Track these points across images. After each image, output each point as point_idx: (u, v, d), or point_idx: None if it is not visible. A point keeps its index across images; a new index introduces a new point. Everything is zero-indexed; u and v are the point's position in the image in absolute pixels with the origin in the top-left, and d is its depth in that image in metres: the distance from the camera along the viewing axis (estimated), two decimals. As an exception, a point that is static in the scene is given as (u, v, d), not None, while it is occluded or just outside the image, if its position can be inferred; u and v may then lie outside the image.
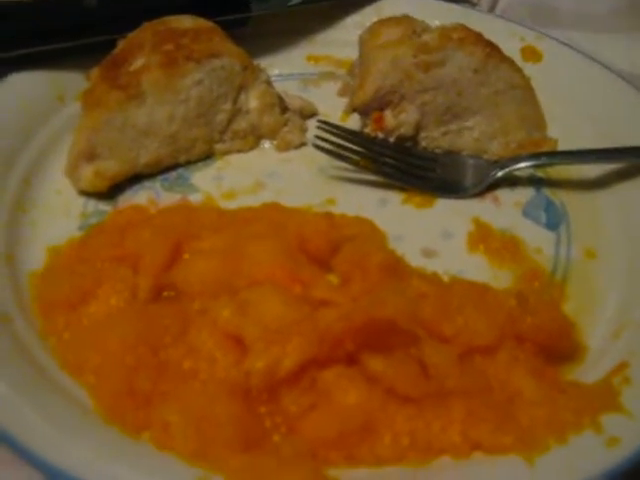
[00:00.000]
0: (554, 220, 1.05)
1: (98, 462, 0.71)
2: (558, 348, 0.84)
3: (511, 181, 1.10)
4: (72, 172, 1.04)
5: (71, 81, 1.14)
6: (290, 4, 1.28)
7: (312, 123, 1.15)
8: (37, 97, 1.12)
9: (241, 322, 0.79)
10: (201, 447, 0.72)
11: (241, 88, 1.10)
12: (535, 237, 1.02)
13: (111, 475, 0.70)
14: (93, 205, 1.04)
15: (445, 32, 1.11)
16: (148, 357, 0.79)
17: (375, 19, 1.21)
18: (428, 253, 0.99)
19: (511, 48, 1.18)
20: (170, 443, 0.73)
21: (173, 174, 1.09)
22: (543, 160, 1.08)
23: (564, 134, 1.15)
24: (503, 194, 1.08)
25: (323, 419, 0.75)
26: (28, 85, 1.12)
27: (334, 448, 0.74)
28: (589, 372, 0.84)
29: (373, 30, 1.15)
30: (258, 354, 0.75)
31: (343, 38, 1.29)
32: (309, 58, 1.30)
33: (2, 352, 0.81)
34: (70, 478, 0.69)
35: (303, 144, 1.14)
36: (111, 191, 1.05)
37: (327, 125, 1.09)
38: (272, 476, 0.70)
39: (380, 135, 1.12)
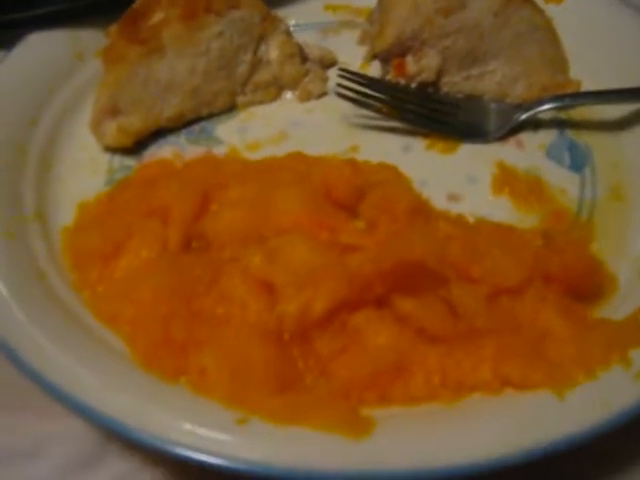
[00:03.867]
0: (578, 161, 1.05)
1: (139, 407, 0.73)
2: (586, 287, 0.85)
3: (534, 124, 1.09)
4: (96, 128, 1.05)
5: (90, 38, 1.14)
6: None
7: (333, 72, 1.15)
8: (57, 56, 1.12)
9: (271, 268, 0.80)
10: (237, 390, 0.74)
11: (261, 39, 1.10)
12: (559, 179, 1.02)
13: (153, 419, 0.72)
14: (119, 160, 1.05)
15: (465, -25, 1.09)
16: (182, 306, 0.81)
17: (393, -36, 1.19)
18: (453, 197, 1.00)
19: (532, -11, 1.17)
20: (207, 387, 0.75)
21: (196, 127, 1.10)
22: (566, 102, 1.08)
23: (587, 75, 1.14)
24: (526, 137, 1.08)
25: (355, 360, 0.76)
26: (47, 44, 1.12)
27: (367, 388, 0.75)
28: (617, 310, 0.84)
29: (392, -24, 1.14)
30: (289, 298, 0.77)
31: (361, -15, 1.28)
32: (327, 7, 1.28)
33: (39, 306, 0.83)
34: (113, 423, 0.72)
35: (324, 93, 1.14)
36: (136, 146, 1.06)
37: (348, 73, 1.09)
38: (308, 415, 0.71)
39: (402, 81, 1.11)
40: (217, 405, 0.74)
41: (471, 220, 0.93)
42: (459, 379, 0.76)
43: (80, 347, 0.79)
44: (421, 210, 0.90)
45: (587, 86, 1.13)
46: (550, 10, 1.16)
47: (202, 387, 0.75)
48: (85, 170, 1.04)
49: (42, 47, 1.12)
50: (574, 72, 1.15)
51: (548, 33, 1.13)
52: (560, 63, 1.14)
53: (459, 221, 0.91)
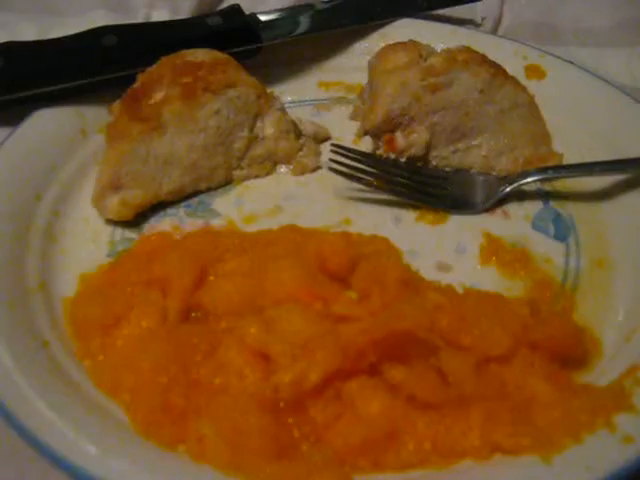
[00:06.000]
0: (562, 232, 1.09)
1: (139, 475, 0.74)
2: (571, 354, 0.88)
3: (519, 195, 1.13)
4: (99, 202, 1.07)
5: (94, 115, 1.19)
6: (298, 32, 1.32)
7: (326, 147, 1.19)
8: (61, 132, 1.16)
9: (267, 339, 0.83)
10: (235, 457, 0.76)
11: (257, 116, 1.14)
12: (545, 249, 1.06)
13: (152, 487, 0.74)
14: (120, 233, 1.08)
15: (450, 55, 1.15)
16: (180, 375, 0.83)
17: (382, 44, 1.24)
18: (443, 267, 1.03)
19: (515, 67, 1.23)
20: (205, 455, 0.77)
21: (195, 200, 1.13)
22: (550, 174, 1.12)
23: (569, 148, 1.18)
24: (512, 208, 1.12)
25: (349, 427, 0.78)
26: (52, 120, 1.16)
27: (360, 455, 0.77)
28: (601, 375, 0.87)
29: (381, 55, 1.19)
30: (285, 368, 0.79)
31: (352, 64, 1.33)
32: (320, 84, 1.34)
33: (41, 375, 0.84)
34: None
35: (318, 167, 1.18)
36: (137, 219, 1.09)
37: (341, 148, 1.13)
38: (304, 482, 0.73)
39: (392, 156, 1.15)
40: (215, 472, 0.76)
41: (460, 289, 0.96)
42: (450, 445, 0.78)
43: (80, 415, 0.80)
44: (411, 281, 0.93)
45: (569, 158, 1.17)
46: (533, 86, 1.22)
47: (200, 454, 0.77)
48: (88, 242, 1.06)
49: (48, 123, 1.16)
50: (556, 145, 1.20)
51: (531, 108, 1.18)
52: (543, 137, 1.19)
53: (448, 291, 0.94)
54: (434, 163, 1.18)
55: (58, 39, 1.20)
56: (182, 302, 0.91)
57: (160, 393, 0.82)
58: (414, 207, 1.11)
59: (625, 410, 0.79)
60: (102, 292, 0.96)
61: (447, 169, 1.18)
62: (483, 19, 1.53)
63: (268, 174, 1.18)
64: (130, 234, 1.08)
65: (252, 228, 1.07)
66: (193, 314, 0.92)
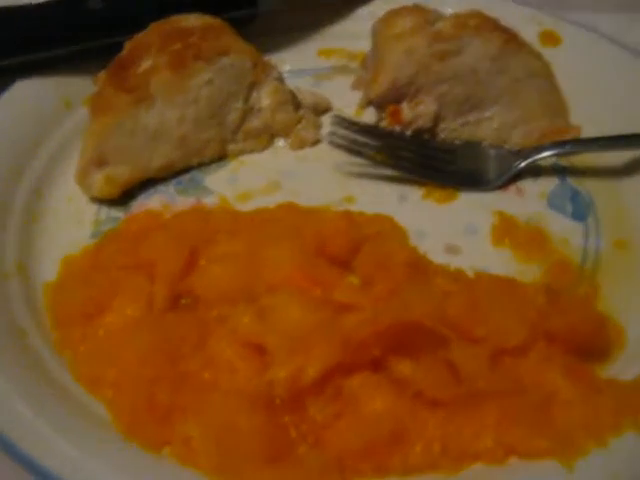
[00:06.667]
0: (581, 210, 1.02)
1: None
2: (592, 346, 0.82)
3: (534, 171, 1.07)
4: (82, 179, 1.02)
5: (78, 86, 1.13)
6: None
7: (326, 119, 1.13)
8: (44, 104, 1.11)
9: (261, 330, 0.77)
10: (224, 461, 0.71)
11: (252, 86, 1.08)
12: (562, 228, 1.00)
13: (132, 494, 0.68)
14: (106, 212, 1.03)
15: (460, 20, 1.08)
16: (166, 369, 0.78)
17: (387, 8, 1.17)
18: (452, 249, 0.97)
19: (529, 34, 1.16)
20: (192, 458, 0.72)
21: (186, 177, 1.08)
22: (567, 148, 1.05)
23: (587, 121, 1.11)
24: (526, 185, 1.06)
25: (350, 428, 0.73)
26: (34, 92, 1.11)
27: (363, 458, 0.72)
28: (627, 368, 0.81)
29: (385, 20, 1.12)
30: (281, 363, 0.74)
31: (355, 30, 1.26)
32: (320, 52, 1.27)
33: (18, 368, 0.79)
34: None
35: (318, 141, 1.12)
36: (124, 197, 1.03)
37: (342, 120, 1.07)
38: (298, 490, 0.68)
39: (397, 128, 1.10)
40: (202, 477, 0.70)
41: (471, 274, 0.90)
42: (461, 447, 0.72)
43: (58, 412, 0.75)
44: (418, 265, 0.87)
45: (588, 132, 1.11)
46: (548, 54, 1.14)
47: (187, 458, 0.72)
48: (71, 222, 1.01)
49: (29, 95, 1.11)
50: (574, 117, 1.13)
51: (546, 78, 1.11)
52: (559, 108, 1.12)
53: (458, 276, 0.88)
54: (442, 136, 1.11)
55: (39, 3, 1.13)
56: (170, 288, 0.86)
57: (144, 389, 0.76)
58: (420, 184, 1.05)
59: (655, 408, 0.73)
60: (85, 277, 0.91)
61: (456, 142, 1.11)
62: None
63: (265, 148, 1.12)
64: (116, 213, 1.02)
65: (247, 207, 1.01)
66: (182, 301, 0.87)
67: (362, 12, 1.29)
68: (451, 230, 1.00)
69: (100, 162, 1.01)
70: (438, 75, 1.07)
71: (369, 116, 1.14)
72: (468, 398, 0.74)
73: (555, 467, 0.70)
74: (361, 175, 1.07)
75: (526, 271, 0.94)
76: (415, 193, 1.05)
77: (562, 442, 0.71)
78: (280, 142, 1.13)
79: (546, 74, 1.11)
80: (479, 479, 0.71)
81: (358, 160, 1.06)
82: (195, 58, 1.04)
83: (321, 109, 1.16)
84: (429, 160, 1.07)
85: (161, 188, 1.06)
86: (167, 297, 0.85)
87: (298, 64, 1.24)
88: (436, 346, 0.76)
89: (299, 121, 1.12)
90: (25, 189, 1.02)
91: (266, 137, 1.12)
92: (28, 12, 1.12)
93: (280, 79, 1.11)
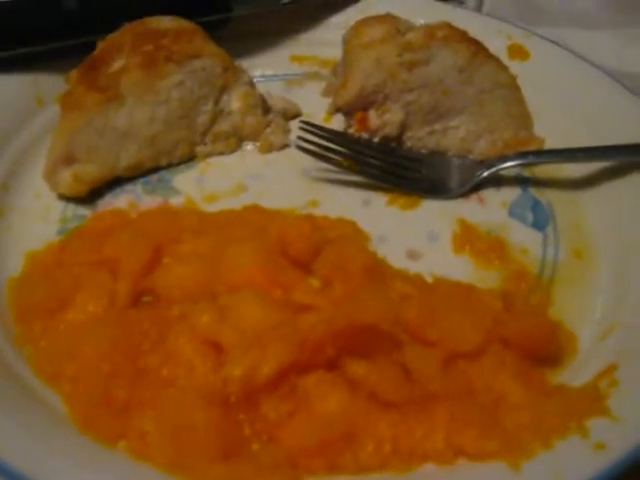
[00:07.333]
0: (541, 220, 1.04)
1: (72, 473, 0.69)
2: (544, 352, 0.83)
3: (497, 181, 1.08)
4: (51, 176, 1.02)
5: (50, 84, 1.13)
6: (271, 2, 1.26)
7: (295, 124, 1.13)
8: (15, 100, 1.11)
9: (220, 328, 0.77)
10: (179, 456, 0.71)
11: (223, 89, 1.09)
12: (522, 238, 1.01)
13: (86, 487, 0.68)
14: (72, 209, 1.02)
15: (430, 30, 1.09)
16: (125, 364, 0.78)
17: (360, 17, 1.18)
18: (413, 255, 0.98)
19: (498, 46, 1.17)
20: (147, 453, 0.72)
21: (154, 177, 1.08)
22: (530, 159, 1.07)
23: (551, 133, 1.13)
24: (489, 194, 1.07)
25: (303, 426, 0.73)
26: (6, 88, 1.11)
27: (315, 456, 0.72)
28: (576, 375, 0.82)
29: (356, 29, 1.13)
30: (236, 360, 0.74)
31: (327, 38, 1.27)
32: (293, 58, 1.28)
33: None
34: (43, 490, 0.68)
35: (286, 145, 1.13)
36: (91, 195, 1.03)
37: (310, 126, 1.08)
38: (251, 486, 0.68)
39: (364, 135, 1.10)
40: (157, 472, 0.70)
41: (430, 279, 0.91)
42: (411, 448, 0.73)
43: (14, 406, 0.75)
44: (377, 269, 0.88)
45: (551, 143, 1.12)
46: (515, 67, 1.16)
47: (142, 452, 0.72)
48: (37, 218, 1.01)
49: (2, 91, 1.11)
50: (538, 129, 1.15)
51: (512, 90, 1.12)
52: (524, 120, 1.14)
53: (417, 280, 0.89)
54: (408, 144, 1.12)
55: (13, 1, 1.12)
56: (132, 285, 0.86)
57: (102, 383, 0.76)
58: (385, 190, 1.06)
59: (599, 414, 0.74)
60: (48, 273, 0.91)
61: (422, 151, 1.13)
62: (466, -4, 1.48)
63: (233, 151, 1.12)
64: (83, 211, 1.02)
65: (213, 208, 1.02)
66: (144, 299, 0.87)
67: (336, 20, 1.30)
68: (413, 236, 1.00)
69: (69, 160, 1.01)
70: (406, 84, 1.07)
71: (337, 123, 1.15)
72: (420, 400, 0.75)
73: (502, 468, 0.70)
74: (327, 180, 1.08)
75: (485, 278, 0.95)
76: (380, 199, 1.05)
77: (510, 444, 0.72)
78: (249, 145, 1.13)
79: (512, 86, 1.12)
80: (429, 479, 0.72)
81: (325, 165, 1.06)
82: (166, 60, 1.04)
83: (290, 114, 1.17)
84: (395, 167, 1.08)
85: (129, 187, 1.06)
86: (129, 294, 0.85)
87: (270, 69, 1.25)
88: (390, 348, 0.77)
89: (268, 125, 1.13)
90: (-8, 184, 1.01)
91: (235, 140, 1.12)
92: (1, 10, 1.11)
93: (250, 83, 1.12)
